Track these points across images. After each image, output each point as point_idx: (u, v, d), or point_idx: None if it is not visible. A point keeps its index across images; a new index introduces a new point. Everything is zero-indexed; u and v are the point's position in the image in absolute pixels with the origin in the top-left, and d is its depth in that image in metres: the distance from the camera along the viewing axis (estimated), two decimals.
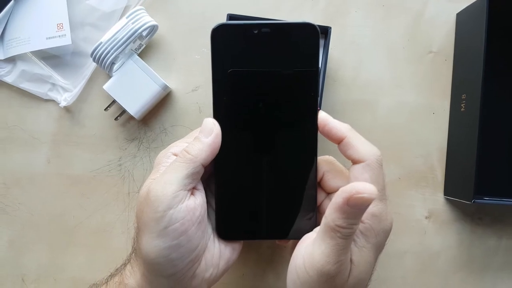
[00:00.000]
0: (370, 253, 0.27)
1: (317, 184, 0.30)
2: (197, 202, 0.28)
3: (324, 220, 0.25)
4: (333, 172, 0.30)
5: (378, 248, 0.28)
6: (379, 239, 0.27)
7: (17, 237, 0.41)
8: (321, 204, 0.31)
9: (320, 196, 0.30)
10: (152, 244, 0.26)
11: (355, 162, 0.28)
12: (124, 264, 0.31)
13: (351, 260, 0.26)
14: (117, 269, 0.31)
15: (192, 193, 0.28)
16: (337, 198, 0.24)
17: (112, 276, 0.31)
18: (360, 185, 0.23)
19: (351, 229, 0.24)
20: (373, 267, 0.28)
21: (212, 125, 0.28)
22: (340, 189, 0.24)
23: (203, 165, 0.28)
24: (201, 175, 0.28)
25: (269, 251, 0.41)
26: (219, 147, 0.28)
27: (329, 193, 0.30)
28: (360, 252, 0.26)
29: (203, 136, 0.28)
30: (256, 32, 0.28)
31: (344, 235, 0.24)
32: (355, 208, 0.24)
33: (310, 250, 0.26)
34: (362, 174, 0.27)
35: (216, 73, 0.28)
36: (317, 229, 0.28)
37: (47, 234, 0.41)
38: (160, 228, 0.26)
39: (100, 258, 0.40)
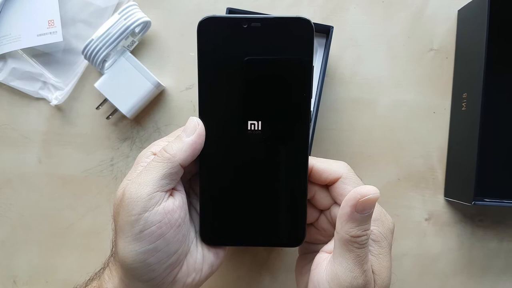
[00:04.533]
0: (386, 257, 0.27)
1: (308, 201, 0.29)
2: (176, 204, 0.26)
3: (337, 236, 0.25)
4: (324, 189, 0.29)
5: (390, 248, 0.28)
6: (389, 240, 0.27)
7: (8, 238, 0.40)
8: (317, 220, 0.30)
9: (315, 213, 0.30)
10: (128, 249, 0.25)
11: (332, 182, 0.28)
12: (103, 268, 0.30)
13: (372, 271, 0.26)
14: (96, 273, 0.30)
15: (171, 194, 0.27)
16: (345, 209, 0.25)
17: (91, 280, 0.30)
18: (362, 189, 0.24)
19: (366, 236, 0.25)
20: (391, 270, 0.27)
21: (195, 124, 0.27)
22: (344, 201, 0.25)
23: (181, 166, 0.26)
24: (180, 175, 0.27)
25: (265, 254, 0.40)
26: (201, 147, 0.27)
27: (323, 210, 0.30)
28: (378, 260, 0.26)
29: (184, 135, 0.27)
30: (245, 26, 0.26)
31: (361, 243, 0.25)
32: (364, 212, 0.24)
33: (332, 271, 0.25)
34: (346, 189, 0.27)
35: (202, 69, 0.27)
36: (326, 248, 0.28)
37: (39, 235, 0.40)
38: (136, 232, 0.25)
39: (92, 260, 0.39)
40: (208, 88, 0.27)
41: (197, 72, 0.27)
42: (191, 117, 0.27)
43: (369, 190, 0.24)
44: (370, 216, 0.25)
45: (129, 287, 0.27)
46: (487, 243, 0.40)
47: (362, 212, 0.24)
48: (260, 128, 0.27)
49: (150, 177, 0.26)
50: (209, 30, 0.27)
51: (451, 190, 0.39)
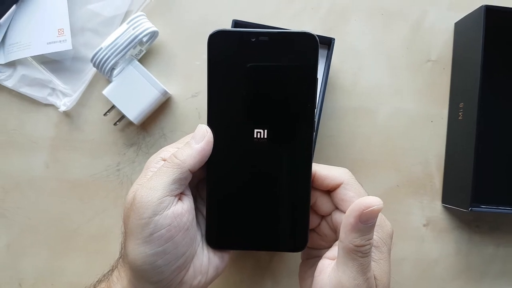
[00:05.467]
0: (386, 262, 0.27)
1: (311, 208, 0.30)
2: (185, 208, 0.27)
3: (341, 245, 0.26)
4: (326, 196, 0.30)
5: (390, 253, 0.28)
6: (388, 245, 0.28)
7: (15, 241, 0.41)
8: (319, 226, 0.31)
9: (316, 218, 0.31)
10: (138, 251, 0.26)
11: (334, 188, 0.29)
12: (112, 270, 0.30)
13: (374, 277, 0.27)
14: (104, 275, 0.31)
15: (179, 199, 0.28)
16: (349, 219, 0.25)
17: (99, 281, 0.31)
18: (366, 200, 0.25)
19: (369, 245, 0.25)
20: (390, 274, 0.28)
21: (204, 132, 0.28)
22: (348, 211, 0.25)
23: (190, 171, 0.27)
24: (188, 181, 0.28)
25: (267, 258, 0.41)
26: (209, 154, 0.28)
27: (324, 216, 0.31)
28: (378, 265, 0.27)
29: (194, 142, 0.28)
30: (253, 40, 0.28)
31: (364, 253, 0.25)
32: (367, 223, 0.25)
33: (336, 279, 0.26)
34: (347, 194, 0.28)
35: (211, 80, 0.28)
36: (328, 254, 0.29)
37: (45, 239, 0.41)
38: (146, 235, 0.26)
39: (98, 263, 0.40)
40: (217, 97, 0.28)
41: (206, 82, 0.28)
42: (200, 125, 0.28)
43: (372, 201, 0.25)
44: (373, 226, 0.25)
45: None
46: (483, 249, 0.41)
47: (366, 222, 0.25)
48: (265, 136, 0.28)
49: (160, 182, 0.27)
50: (219, 42, 0.28)
51: (448, 197, 0.40)
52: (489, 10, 0.36)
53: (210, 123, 0.28)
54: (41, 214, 0.41)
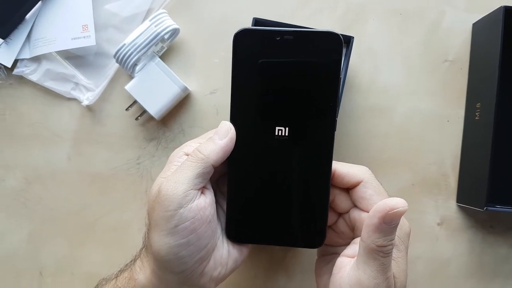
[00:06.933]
0: (404, 260, 0.28)
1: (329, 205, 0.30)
2: (207, 201, 0.28)
3: (363, 245, 0.26)
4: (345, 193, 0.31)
5: (407, 252, 0.29)
6: (405, 243, 0.28)
7: (37, 231, 0.42)
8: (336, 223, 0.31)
9: (333, 216, 0.31)
10: (163, 242, 0.27)
11: (353, 186, 0.29)
12: (134, 260, 0.31)
13: (393, 275, 0.27)
14: (126, 265, 0.32)
15: (202, 192, 0.29)
16: (372, 219, 0.25)
17: (121, 271, 0.32)
18: (391, 201, 0.25)
19: (391, 245, 0.25)
20: (407, 272, 0.29)
21: (228, 128, 0.29)
22: (371, 211, 0.25)
23: (213, 166, 0.28)
24: (211, 175, 0.29)
25: (281, 253, 0.42)
26: (231, 150, 0.29)
27: (341, 213, 0.31)
28: (397, 264, 0.27)
29: (217, 138, 0.29)
30: (278, 39, 0.28)
31: (386, 253, 0.25)
32: (391, 224, 0.25)
33: (356, 278, 0.26)
34: (366, 192, 0.29)
35: (235, 77, 0.29)
36: (346, 252, 0.29)
37: (66, 229, 0.42)
38: (171, 226, 0.27)
39: (117, 255, 0.41)
40: (240, 95, 0.29)
41: (230, 79, 0.29)
42: (223, 121, 0.29)
43: (397, 203, 0.25)
44: (396, 226, 0.25)
45: (161, 278, 0.28)
46: (497, 249, 0.41)
47: (390, 223, 0.25)
48: (286, 134, 0.29)
49: (185, 176, 0.27)
50: (244, 41, 0.28)
51: (463, 196, 0.41)
52: (508, 11, 0.36)
53: (232, 120, 0.29)
54: (62, 205, 0.42)
